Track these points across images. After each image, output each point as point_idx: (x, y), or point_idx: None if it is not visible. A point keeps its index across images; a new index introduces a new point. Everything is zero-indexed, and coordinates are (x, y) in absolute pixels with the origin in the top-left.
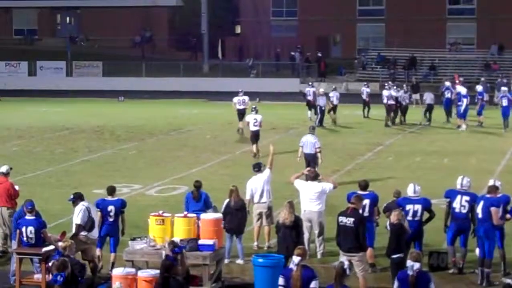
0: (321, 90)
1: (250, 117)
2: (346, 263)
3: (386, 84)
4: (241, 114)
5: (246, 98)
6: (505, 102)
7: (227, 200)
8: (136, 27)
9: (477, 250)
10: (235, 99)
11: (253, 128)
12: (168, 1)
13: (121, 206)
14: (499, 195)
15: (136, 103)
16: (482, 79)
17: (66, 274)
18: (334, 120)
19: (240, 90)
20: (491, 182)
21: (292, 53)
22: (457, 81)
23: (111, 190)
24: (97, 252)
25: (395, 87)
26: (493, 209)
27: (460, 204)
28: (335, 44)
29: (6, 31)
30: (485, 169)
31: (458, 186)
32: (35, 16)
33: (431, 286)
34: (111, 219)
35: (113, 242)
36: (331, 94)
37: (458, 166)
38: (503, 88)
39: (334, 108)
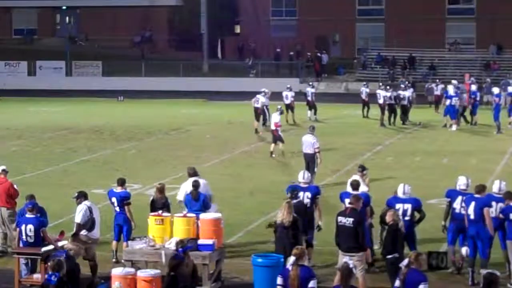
0: (266, 89)
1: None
2: (351, 263)
3: (381, 84)
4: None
5: (262, 98)
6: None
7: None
8: (135, 26)
9: (464, 249)
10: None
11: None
12: (167, 1)
13: (122, 198)
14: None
15: (135, 103)
16: (488, 80)
17: (61, 275)
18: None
19: (262, 89)
20: (496, 184)
21: (292, 53)
22: (467, 80)
23: (120, 182)
24: (113, 245)
25: (388, 87)
26: (486, 209)
27: (460, 205)
28: (335, 44)
29: (6, 31)
30: (485, 169)
31: (463, 187)
32: (34, 16)
33: (420, 287)
34: (117, 209)
35: (125, 232)
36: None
37: (458, 166)
38: (494, 89)
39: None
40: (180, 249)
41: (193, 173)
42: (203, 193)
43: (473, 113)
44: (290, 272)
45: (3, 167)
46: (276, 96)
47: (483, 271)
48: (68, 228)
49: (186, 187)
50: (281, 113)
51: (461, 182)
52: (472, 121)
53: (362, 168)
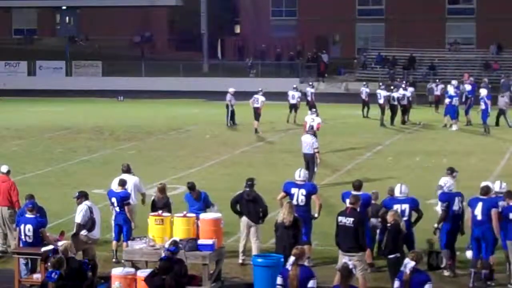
0: (231, 89)
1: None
2: (351, 263)
3: (381, 83)
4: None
5: (261, 97)
6: (483, 106)
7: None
8: (135, 26)
9: (469, 253)
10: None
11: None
12: (167, 1)
13: (121, 198)
14: (493, 196)
15: (135, 103)
16: (486, 80)
17: (61, 272)
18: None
19: (259, 89)
20: (497, 184)
21: (292, 53)
22: (466, 80)
23: (121, 183)
24: (113, 245)
25: (392, 88)
26: (493, 210)
27: (458, 205)
28: (335, 44)
29: (6, 31)
30: (485, 169)
31: (452, 187)
32: (34, 16)
33: (426, 287)
34: (117, 210)
35: (125, 232)
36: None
37: (458, 166)
38: (482, 91)
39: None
40: (167, 249)
41: (126, 169)
42: (134, 189)
43: (466, 112)
44: (290, 272)
45: (7, 167)
46: (277, 96)
47: (484, 272)
48: (68, 228)
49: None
50: (317, 114)
51: (450, 183)
52: (467, 121)
53: (451, 170)
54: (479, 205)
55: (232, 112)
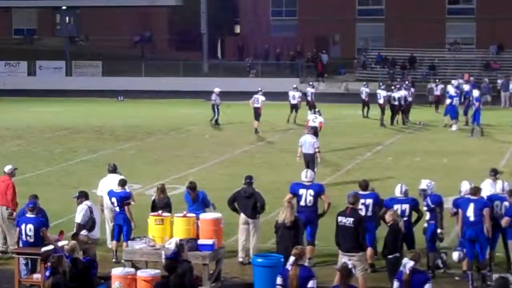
0: (217, 89)
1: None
2: (350, 263)
3: (381, 83)
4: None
5: (261, 97)
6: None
7: None
8: (135, 26)
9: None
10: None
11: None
12: (167, 1)
13: (121, 198)
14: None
15: (135, 103)
16: (486, 80)
17: (56, 270)
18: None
19: (259, 89)
20: (499, 183)
21: (292, 53)
22: (466, 80)
23: (121, 183)
24: (113, 245)
25: (394, 88)
26: (486, 210)
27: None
28: (335, 44)
29: (6, 31)
30: (485, 169)
31: (430, 190)
32: (34, 16)
33: (426, 287)
34: (117, 209)
35: (125, 232)
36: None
37: (458, 166)
38: (474, 91)
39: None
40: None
41: (113, 169)
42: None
43: (464, 113)
44: (290, 272)
45: (9, 167)
46: (277, 96)
47: (484, 272)
48: (68, 228)
49: (106, 182)
50: (320, 114)
51: (432, 185)
52: (465, 121)
53: (495, 172)
54: (471, 206)
55: (216, 112)
